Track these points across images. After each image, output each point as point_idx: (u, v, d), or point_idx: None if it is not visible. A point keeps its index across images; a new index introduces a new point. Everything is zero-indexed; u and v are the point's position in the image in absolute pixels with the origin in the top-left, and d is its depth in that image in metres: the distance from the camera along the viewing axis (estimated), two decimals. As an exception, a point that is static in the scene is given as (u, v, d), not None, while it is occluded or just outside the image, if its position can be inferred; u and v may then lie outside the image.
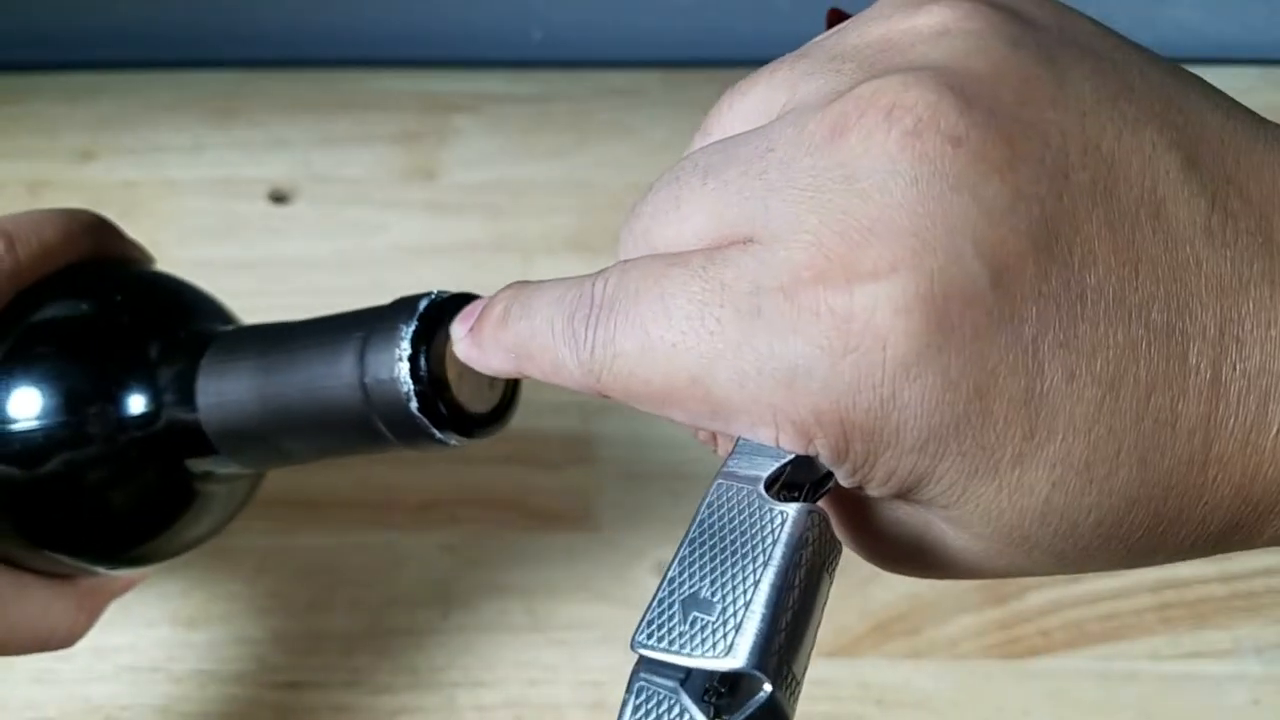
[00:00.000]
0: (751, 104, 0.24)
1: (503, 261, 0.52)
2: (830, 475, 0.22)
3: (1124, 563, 0.21)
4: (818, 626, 0.21)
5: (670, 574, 0.21)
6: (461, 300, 0.27)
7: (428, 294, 0.27)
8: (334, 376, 0.27)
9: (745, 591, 0.20)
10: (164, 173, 0.55)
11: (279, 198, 0.55)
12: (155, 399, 0.31)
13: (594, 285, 0.23)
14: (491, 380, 0.28)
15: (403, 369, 0.26)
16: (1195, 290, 0.19)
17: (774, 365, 0.20)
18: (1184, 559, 0.22)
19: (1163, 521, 0.20)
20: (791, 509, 0.21)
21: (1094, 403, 0.19)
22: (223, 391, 0.30)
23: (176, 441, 0.31)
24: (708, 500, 0.22)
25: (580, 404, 0.47)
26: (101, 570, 0.34)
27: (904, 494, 0.21)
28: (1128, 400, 0.19)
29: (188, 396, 0.30)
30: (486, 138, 0.57)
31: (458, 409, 0.27)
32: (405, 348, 0.26)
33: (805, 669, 0.20)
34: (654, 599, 0.21)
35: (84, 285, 0.33)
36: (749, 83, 0.24)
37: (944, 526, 0.22)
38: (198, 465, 0.32)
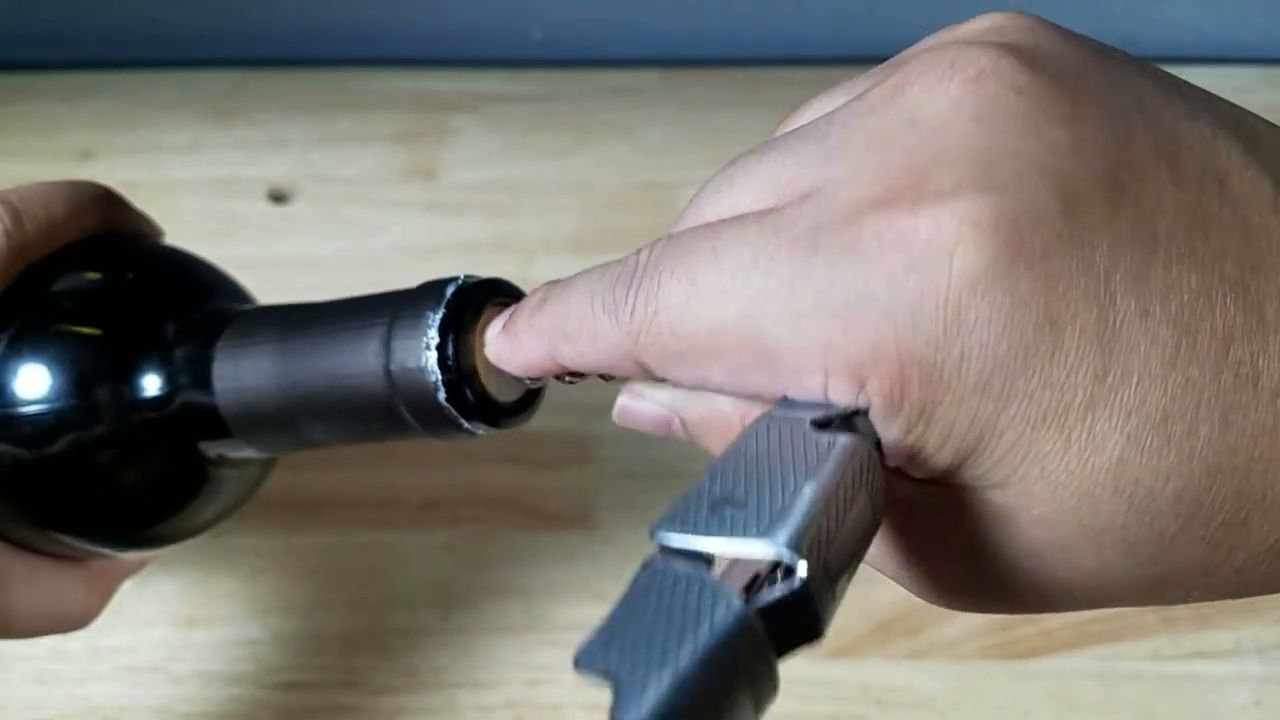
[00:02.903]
0: (811, 116, 0.23)
1: (503, 261, 0.52)
2: (879, 446, 0.20)
3: (1202, 561, 0.20)
4: (860, 555, 0.19)
5: (702, 482, 0.19)
6: (489, 286, 0.27)
7: (454, 279, 0.26)
8: (358, 364, 0.27)
9: (786, 489, 0.18)
10: (163, 172, 0.55)
11: (278, 197, 0.55)
12: (170, 380, 0.30)
13: (639, 254, 0.22)
14: None
15: (430, 358, 0.26)
16: (1267, 254, 0.19)
17: (831, 297, 0.19)
18: (1263, 571, 0.20)
19: (1246, 505, 0.19)
20: (843, 436, 0.19)
21: (1170, 344, 0.18)
22: (241, 375, 0.29)
23: (191, 424, 0.30)
24: (749, 433, 0.20)
25: (580, 404, 0.47)
26: (112, 553, 0.33)
27: (961, 465, 0.20)
28: (1205, 348, 0.18)
29: (204, 379, 0.29)
30: (486, 137, 0.57)
31: (486, 398, 0.26)
32: (433, 335, 0.26)
33: (844, 591, 0.18)
34: (678, 500, 0.19)
35: (95, 260, 0.32)
36: (806, 104, 0.24)
37: (1002, 522, 0.20)
38: (212, 448, 0.31)
